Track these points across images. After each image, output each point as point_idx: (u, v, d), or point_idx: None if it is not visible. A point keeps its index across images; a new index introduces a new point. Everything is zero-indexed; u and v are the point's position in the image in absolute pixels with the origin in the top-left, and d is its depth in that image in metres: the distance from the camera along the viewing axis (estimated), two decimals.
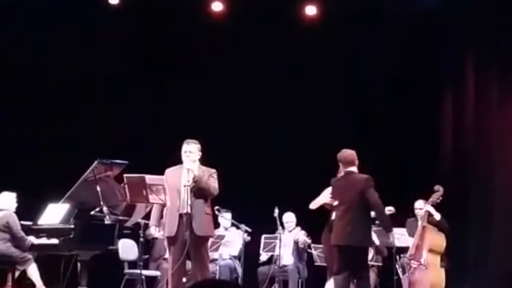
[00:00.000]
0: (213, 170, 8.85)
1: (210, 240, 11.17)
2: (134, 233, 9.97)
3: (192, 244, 8.59)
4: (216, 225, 11.72)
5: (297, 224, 11.84)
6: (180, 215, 8.64)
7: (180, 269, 8.69)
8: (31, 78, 12.60)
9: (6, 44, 12.36)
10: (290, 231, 11.82)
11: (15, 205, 10.11)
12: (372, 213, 8.92)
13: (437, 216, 10.18)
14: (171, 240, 8.75)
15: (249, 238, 11.59)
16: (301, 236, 11.70)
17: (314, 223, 11.31)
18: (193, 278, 8.72)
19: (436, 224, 10.18)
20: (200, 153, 8.81)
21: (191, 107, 12.89)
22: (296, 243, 11.73)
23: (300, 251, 11.78)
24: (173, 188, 8.72)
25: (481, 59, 12.10)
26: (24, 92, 12.59)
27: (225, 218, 11.75)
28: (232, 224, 11.82)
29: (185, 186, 8.63)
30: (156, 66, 12.94)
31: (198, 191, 8.67)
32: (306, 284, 11.78)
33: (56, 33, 12.49)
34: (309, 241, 11.64)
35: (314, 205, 9.51)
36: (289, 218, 11.90)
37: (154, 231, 9.08)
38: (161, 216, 9.02)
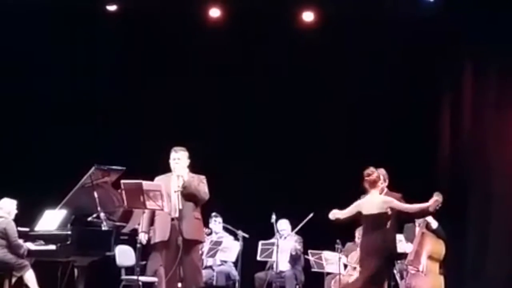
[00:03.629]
0: (203, 176, 8.91)
1: (207, 246, 11.26)
2: (131, 239, 9.92)
3: (182, 248, 8.61)
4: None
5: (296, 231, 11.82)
6: (172, 219, 8.68)
7: (175, 275, 8.69)
8: (27, 84, 12.59)
9: (2, 51, 12.37)
10: (285, 238, 11.80)
11: (15, 212, 10.11)
12: None
13: (434, 224, 10.15)
14: (164, 245, 8.76)
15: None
16: (292, 243, 11.71)
17: (312, 229, 11.35)
18: (186, 284, 8.72)
19: (433, 232, 10.16)
20: (189, 160, 8.85)
21: (189, 112, 12.90)
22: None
23: (294, 258, 11.78)
24: (164, 194, 8.75)
25: (478, 62, 12.11)
26: (22, 98, 12.59)
27: (218, 222, 11.78)
28: (225, 229, 11.84)
29: (175, 191, 8.69)
30: (153, 72, 12.95)
31: (189, 196, 8.71)
32: None
33: (53, 39, 12.50)
34: (299, 247, 11.66)
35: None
36: (284, 225, 11.89)
37: (142, 238, 9.04)
38: (151, 223, 9.02)
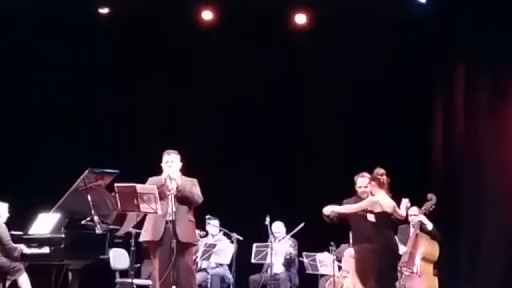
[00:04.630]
0: (195, 179, 8.90)
1: (202, 248, 11.25)
2: (125, 242, 9.93)
3: (176, 251, 8.61)
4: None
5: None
6: (166, 222, 8.66)
7: (169, 277, 8.69)
8: (20, 89, 12.59)
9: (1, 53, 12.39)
10: (279, 241, 11.80)
11: (7, 215, 10.09)
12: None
13: (429, 225, 10.18)
14: (158, 248, 8.75)
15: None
16: (287, 246, 11.71)
17: (306, 232, 11.35)
18: (180, 286, 8.72)
19: (427, 233, 10.18)
20: (181, 163, 8.85)
21: (182, 116, 12.90)
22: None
23: (288, 261, 11.78)
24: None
25: (471, 64, 12.12)
26: (16, 102, 12.58)
27: (214, 225, 11.76)
28: (221, 231, 11.84)
29: (168, 194, 8.67)
30: (150, 73, 12.96)
31: (182, 199, 8.70)
32: None
33: (46, 42, 12.49)
34: (293, 251, 11.66)
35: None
36: (278, 228, 11.88)
37: None
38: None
